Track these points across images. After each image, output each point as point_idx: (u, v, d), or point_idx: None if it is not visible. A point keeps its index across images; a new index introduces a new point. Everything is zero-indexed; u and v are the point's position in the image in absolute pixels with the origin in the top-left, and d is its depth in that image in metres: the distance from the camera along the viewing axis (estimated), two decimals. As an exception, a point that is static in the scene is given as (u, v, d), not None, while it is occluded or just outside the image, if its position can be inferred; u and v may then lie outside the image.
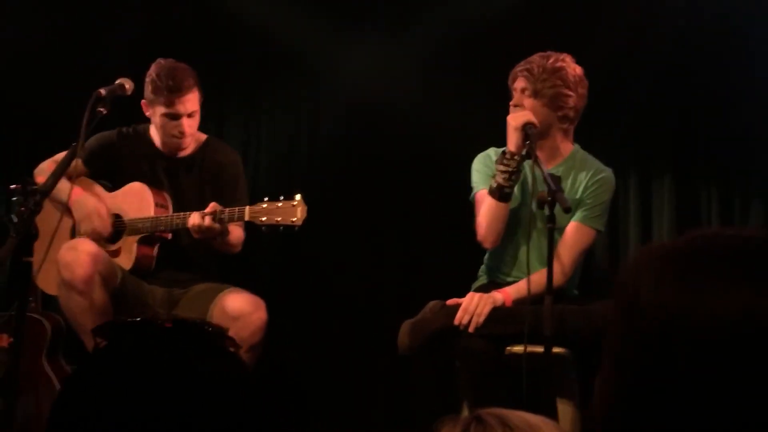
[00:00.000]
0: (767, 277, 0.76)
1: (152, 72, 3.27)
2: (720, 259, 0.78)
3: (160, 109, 3.25)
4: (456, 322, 2.76)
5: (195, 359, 0.98)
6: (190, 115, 3.26)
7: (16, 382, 2.50)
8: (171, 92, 3.20)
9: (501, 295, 2.85)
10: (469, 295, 2.84)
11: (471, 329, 2.75)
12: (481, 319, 2.75)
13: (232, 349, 2.70)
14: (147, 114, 3.32)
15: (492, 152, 3.08)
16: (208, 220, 3.03)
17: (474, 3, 3.84)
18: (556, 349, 2.65)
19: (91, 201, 3.28)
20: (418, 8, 3.95)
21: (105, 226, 3.26)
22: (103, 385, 0.93)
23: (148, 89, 3.26)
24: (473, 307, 2.77)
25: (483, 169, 3.06)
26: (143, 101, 3.29)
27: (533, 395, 2.60)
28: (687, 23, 3.67)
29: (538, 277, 2.76)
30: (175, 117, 3.24)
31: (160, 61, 3.30)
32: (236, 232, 3.27)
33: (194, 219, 3.06)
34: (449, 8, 3.87)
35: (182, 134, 3.27)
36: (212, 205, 3.07)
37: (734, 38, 3.61)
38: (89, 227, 3.25)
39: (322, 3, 4.06)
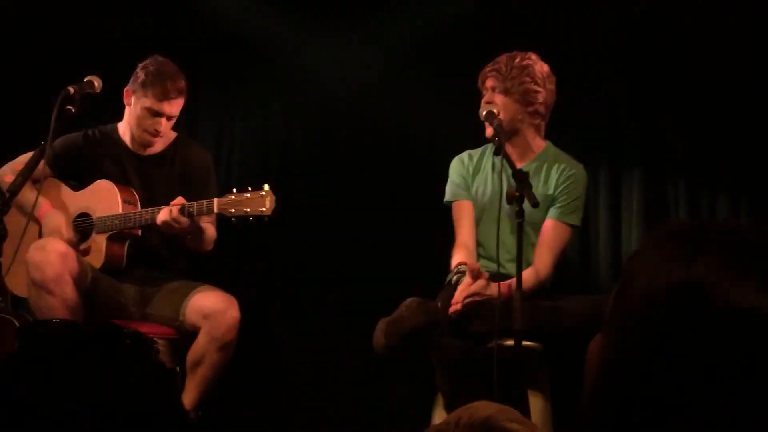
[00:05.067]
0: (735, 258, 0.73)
1: (150, 65, 3.23)
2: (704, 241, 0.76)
3: (146, 102, 3.21)
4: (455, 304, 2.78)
5: (108, 366, 0.91)
6: (170, 118, 3.25)
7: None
8: (166, 93, 3.18)
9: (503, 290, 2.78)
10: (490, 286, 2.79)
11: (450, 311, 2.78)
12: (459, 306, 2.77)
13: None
14: (126, 102, 3.28)
15: (466, 156, 3.14)
16: (175, 212, 3.00)
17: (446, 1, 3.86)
18: (526, 343, 2.67)
19: (58, 219, 3.25)
20: (390, 7, 3.95)
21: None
22: (8, 392, 0.88)
23: (138, 79, 3.22)
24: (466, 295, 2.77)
25: (456, 179, 3.12)
26: (127, 88, 3.25)
27: (506, 389, 2.62)
28: (656, 18, 3.70)
29: (527, 275, 2.78)
30: (158, 115, 3.22)
31: (159, 57, 3.27)
32: (209, 230, 3.26)
33: (163, 215, 3.03)
34: (422, 6, 3.88)
35: (157, 133, 3.25)
36: (178, 199, 3.05)
37: (703, 33, 3.65)
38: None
39: (294, 2, 4.04)
